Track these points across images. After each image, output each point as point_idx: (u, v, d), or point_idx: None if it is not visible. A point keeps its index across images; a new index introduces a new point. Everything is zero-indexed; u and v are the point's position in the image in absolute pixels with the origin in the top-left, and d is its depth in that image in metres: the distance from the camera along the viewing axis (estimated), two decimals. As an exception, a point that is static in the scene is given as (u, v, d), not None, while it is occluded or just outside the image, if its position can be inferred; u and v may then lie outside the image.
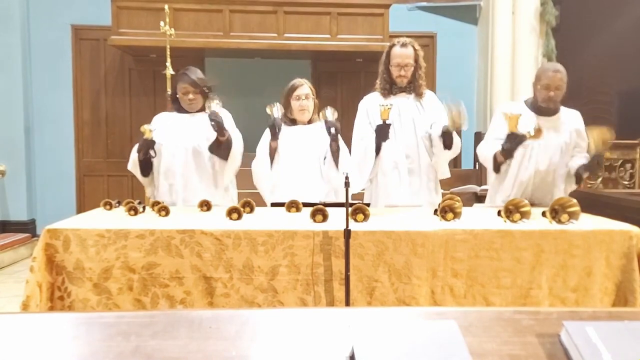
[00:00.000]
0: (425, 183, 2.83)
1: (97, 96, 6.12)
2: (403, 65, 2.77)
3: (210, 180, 2.79)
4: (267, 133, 2.87)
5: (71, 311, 1.90)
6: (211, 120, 2.62)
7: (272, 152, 2.84)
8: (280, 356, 0.83)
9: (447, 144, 2.72)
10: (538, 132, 2.50)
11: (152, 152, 2.70)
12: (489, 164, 2.79)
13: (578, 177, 2.68)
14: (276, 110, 2.82)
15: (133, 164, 2.79)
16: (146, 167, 2.79)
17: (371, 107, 2.85)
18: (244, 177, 3.01)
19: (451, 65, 6.10)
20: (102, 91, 6.11)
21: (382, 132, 2.67)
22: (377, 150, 2.77)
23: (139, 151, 2.72)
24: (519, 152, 2.68)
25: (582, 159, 2.65)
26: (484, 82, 6.04)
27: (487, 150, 2.76)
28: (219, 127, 2.63)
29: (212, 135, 2.70)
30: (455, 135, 2.74)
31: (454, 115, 2.57)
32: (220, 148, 2.73)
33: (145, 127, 2.66)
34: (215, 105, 2.64)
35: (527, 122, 2.58)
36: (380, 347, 0.79)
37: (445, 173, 2.90)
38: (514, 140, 2.55)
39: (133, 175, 2.90)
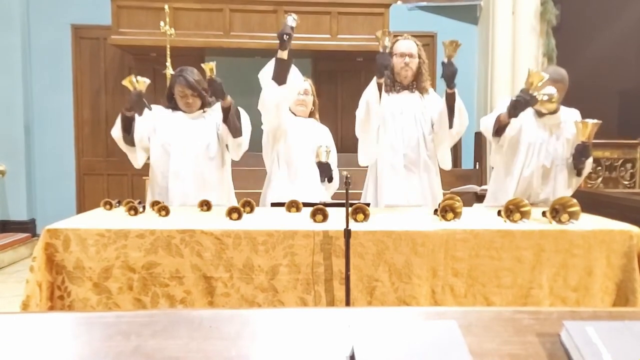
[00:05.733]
0: (426, 181, 2.83)
1: (97, 95, 6.13)
2: (407, 54, 2.76)
3: (219, 178, 2.79)
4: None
5: (71, 311, 1.90)
6: (210, 85, 2.58)
7: (278, 63, 2.64)
8: (280, 356, 0.83)
9: (449, 82, 2.60)
10: (551, 102, 2.43)
11: (146, 105, 2.53)
12: (489, 131, 2.72)
13: (577, 168, 2.70)
14: (291, 20, 2.61)
15: (117, 130, 2.67)
16: (130, 126, 2.64)
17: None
18: (244, 177, 3.01)
19: (451, 65, 6.09)
20: (102, 90, 6.11)
21: (382, 59, 2.54)
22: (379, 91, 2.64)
23: (129, 110, 2.58)
24: (522, 149, 2.69)
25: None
26: (484, 82, 6.04)
27: (490, 119, 2.72)
28: (219, 90, 2.56)
29: (220, 122, 2.69)
30: (461, 103, 2.70)
31: (446, 44, 2.56)
32: (230, 120, 2.65)
33: (132, 79, 2.50)
34: (212, 69, 2.55)
35: (547, 89, 2.46)
36: (380, 347, 0.79)
37: (447, 163, 2.88)
38: (524, 97, 2.41)
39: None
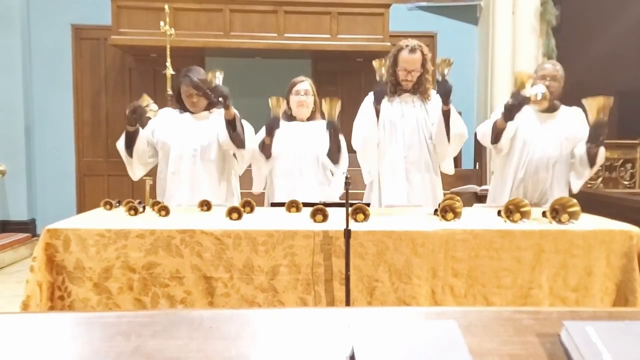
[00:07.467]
0: (428, 184, 2.83)
1: (98, 96, 6.13)
2: (410, 71, 2.76)
3: (216, 181, 2.77)
4: (263, 128, 2.82)
5: (71, 311, 1.90)
6: (215, 93, 2.59)
7: (264, 148, 2.81)
8: (280, 356, 0.83)
9: (444, 99, 2.64)
10: (543, 99, 2.46)
11: (139, 122, 2.62)
12: (487, 138, 2.72)
13: (590, 156, 2.59)
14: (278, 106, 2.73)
15: (121, 142, 2.73)
16: (131, 142, 2.69)
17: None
18: (245, 177, 3.01)
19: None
20: (103, 91, 6.12)
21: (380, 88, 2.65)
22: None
23: (129, 115, 2.63)
24: (517, 148, 2.68)
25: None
26: (484, 82, 6.04)
27: (486, 126, 2.73)
28: (223, 97, 2.58)
29: (222, 131, 2.69)
30: (457, 116, 2.72)
31: (439, 62, 2.57)
32: (233, 130, 2.66)
33: (145, 97, 2.62)
34: (218, 75, 2.59)
35: (536, 88, 2.51)
36: (380, 347, 0.79)
37: (450, 168, 2.88)
38: (516, 99, 2.47)
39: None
